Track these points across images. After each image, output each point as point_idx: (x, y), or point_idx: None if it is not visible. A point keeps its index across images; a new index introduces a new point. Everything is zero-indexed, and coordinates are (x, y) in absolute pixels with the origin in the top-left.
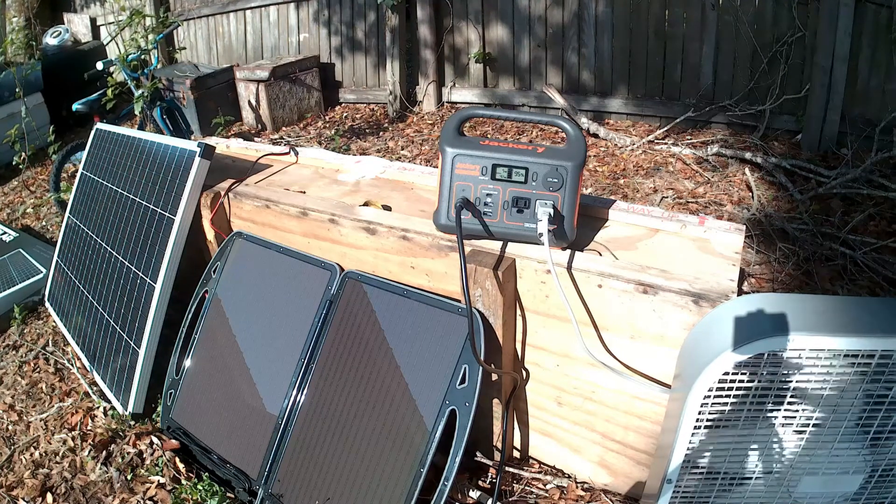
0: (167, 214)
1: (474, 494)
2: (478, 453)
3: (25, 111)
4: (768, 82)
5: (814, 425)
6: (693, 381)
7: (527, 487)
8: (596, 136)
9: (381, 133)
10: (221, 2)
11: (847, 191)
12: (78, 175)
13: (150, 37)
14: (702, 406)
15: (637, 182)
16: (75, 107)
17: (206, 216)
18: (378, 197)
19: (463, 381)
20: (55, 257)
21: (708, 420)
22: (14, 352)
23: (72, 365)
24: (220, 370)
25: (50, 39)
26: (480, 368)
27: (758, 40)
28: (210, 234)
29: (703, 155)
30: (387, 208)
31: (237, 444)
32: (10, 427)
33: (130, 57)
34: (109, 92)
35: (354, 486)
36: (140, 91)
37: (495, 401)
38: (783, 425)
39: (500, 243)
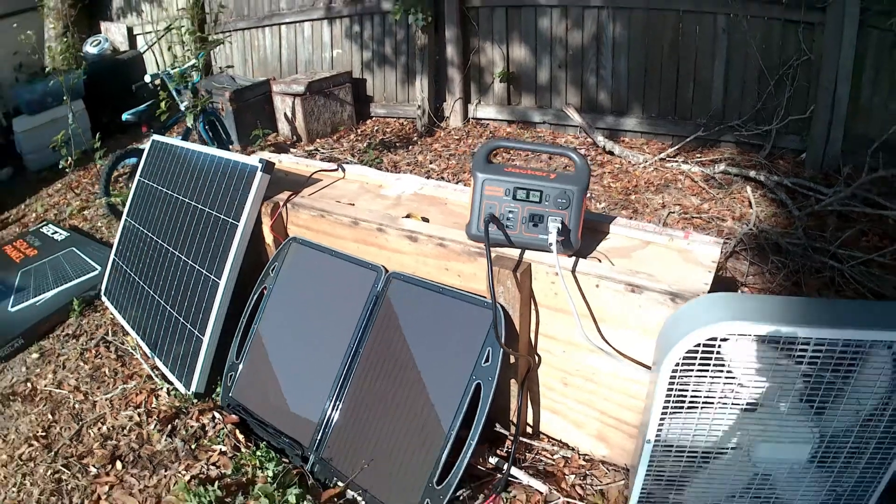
0: (231, 220)
1: (493, 461)
2: (497, 425)
3: (72, 117)
4: (775, 103)
5: (764, 398)
6: (663, 359)
7: (537, 457)
8: (611, 153)
9: (410, 147)
10: (257, 16)
11: (843, 208)
12: (135, 182)
13: (190, 52)
14: (671, 379)
15: (647, 198)
16: (125, 116)
17: (266, 223)
18: (417, 210)
19: (487, 361)
20: (112, 256)
21: (677, 390)
22: (74, 340)
23: (134, 351)
24: (278, 354)
25: (90, 48)
26: (501, 350)
27: (765, 63)
28: (269, 238)
29: (711, 173)
30: (425, 220)
31: (292, 418)
32: (76, 406)
33: (183, 68)
34: (163, 105)
35: (395, 450)
36: (189, 103)
37: (512, 381)
38: (739, 395)
39: (518, 251)
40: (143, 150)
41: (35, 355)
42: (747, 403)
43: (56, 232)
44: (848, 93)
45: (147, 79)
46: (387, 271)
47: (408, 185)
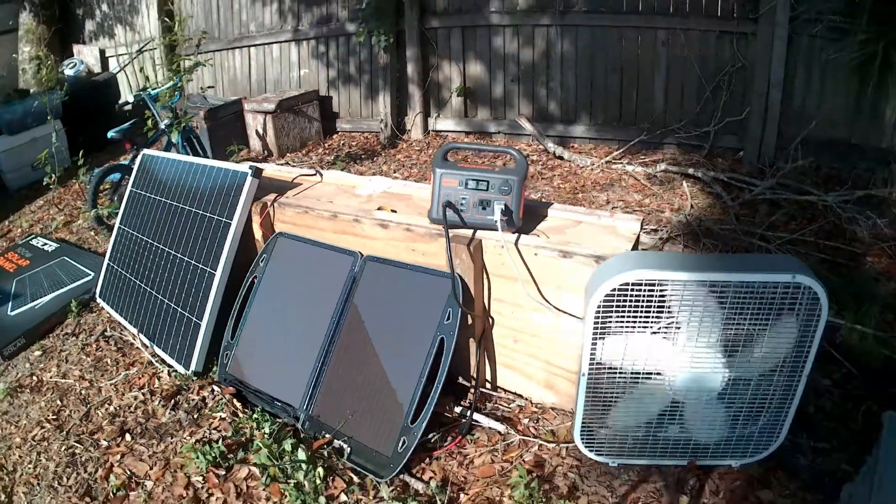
0: (224, 220)
1: (458, 409)
2: (459, 378)
3: (56, 136)
4: (712, 107)
5: (675, 332)
6: (589, 302)
7: (495, 405)
8: (561, 158)
9: (374, 158)
10: (227, 39)
11: (773, 196)
12: (127, 192)
13: (171, 73)
14: (595, 320)
15: (593, 195)
16: (110, 134)
17: (256, 221)
18: (387, 204)
19: (448, 319)
20: (106, 261)
21: (601, 329)
22: (74, 337)
23: (134, 341)
24: (269, 332)
25: (67, 70)
26: (460, 310)
27: (703, 71)
28: (258, 234)
29: (653, 172)
30: (394, 211)
31: (283, 385)
32: (83, 392)
33: (166, 87)
34: (149, 122)
35: (373, 401)
36: (169, 121)
37: (471, 340)
38: (646, 326)
39: (471, 231)
40: (126, 166)
41: (37, 353)
42: (652, 333)
43: (46, 244)
44: (780, 97)
45: (131, 98)
46: (362, 255)
47: (378, 185)
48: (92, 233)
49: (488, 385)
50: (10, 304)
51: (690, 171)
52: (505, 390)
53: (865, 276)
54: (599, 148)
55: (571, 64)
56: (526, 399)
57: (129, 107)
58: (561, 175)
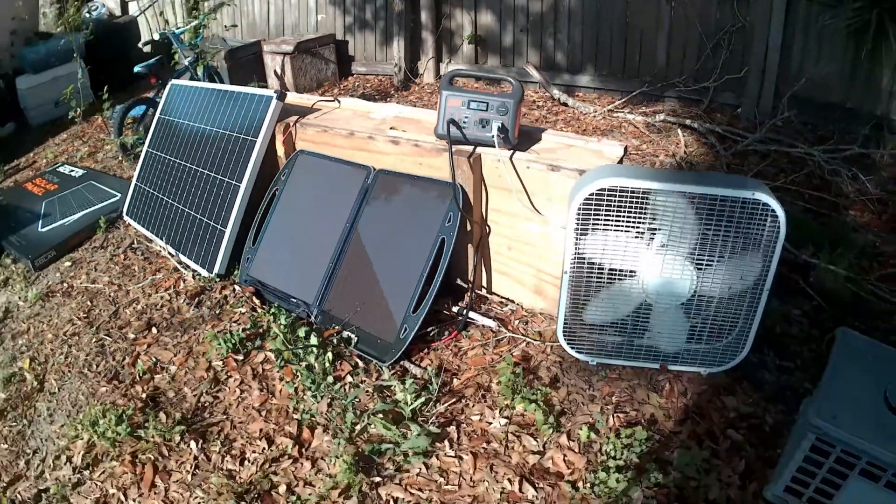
0: (250, 138)
1: (455, 309)
2: (458, 280)
3: (82, 73)
4: (712, 65)
5: (648, 237)
6: (570, 207)
7: (490, 307)
8: (565, 105)
9: (388, 99)
10: None
11: (765, 149)
12: (155, 119)
13: (196, 13)
14: (576, 222)
15: None
16: (137, 69)
17: (279, 139)
18: (399, 126)
19: (449, 221)
20: (133, 181)
21: (581, 230)
22: (102, 250)
23: (160, 250)
24: (288, 238)
25: (88, 13)
26: (459, 213)
27: (704, 30)
28: (281, 151)
29: (652, 121)
30: (404, 132)
31: (299, 284)
32: (111, 294)
33: (191, 26)
34: (175, 56)
35: (380, 295)
36: (192, 59)
37: (469, 246)
38: (633, 236)
39: (472, 147)
40: (150, 100)
41: (67, 263)
42: (636, 239)
43: (72, 170)
44: (778, 59)
45: (156, 36)
46: (375, 169)
47: (390, 110)
48: (116, 162)
49: (484, 290)
50: (41, 222)
51: (688, 122)
52: (499, 296)
53: (843, 224)
54: (603, 98)
55: (578, 18)
56: (517, 304)
57: (148, 47)
58: (564, 120)
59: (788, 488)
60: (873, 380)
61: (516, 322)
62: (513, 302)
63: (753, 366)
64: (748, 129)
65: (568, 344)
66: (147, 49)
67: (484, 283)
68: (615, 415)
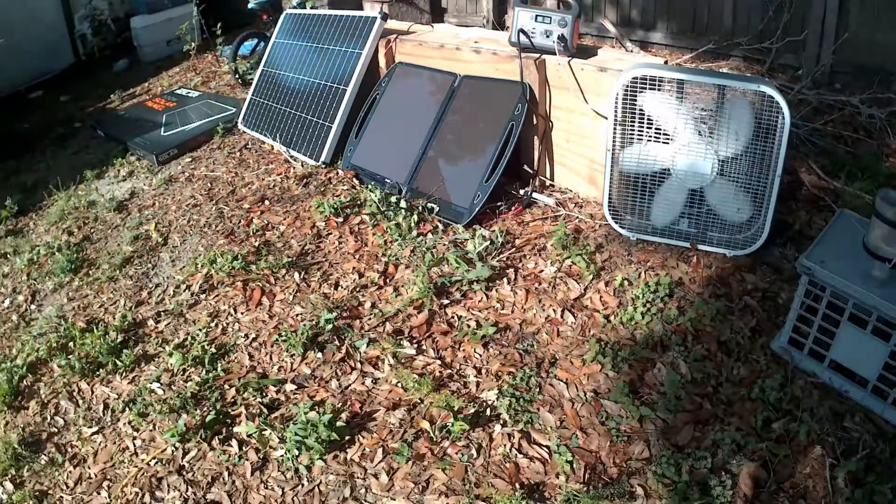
0: (356, 51)
1: (521, 192)
2: (525, 166)
3: (196, 10)
4: (775, 26)
5: (673, 125)
6: (613, 93)
7: (551, 194)
8: None
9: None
10: None
11: (818, 103)
12: (271, 42)
13: None
14: (615, 105)
15: None
16: (251, 5)
17: (381, 52)
18: (481, 42)
19: (517, 111)
20: (249, 96)
21: (622, 115)
22: (219, 150)
23: (273, 146)
24: (386, 131)
25: None
26: (527, 105)
27: None
28: (382, 63)
29: None
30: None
31: (393, 167)
32: (229, 179)
33: None
34: None
35: (460, 171)
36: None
37: (535, 138)
38: (668, 114)
39: (538, 54)
40: (262, 34)
41: (188, 160)
42: (670, 124)
43: (189, 92)
44: (835, 23)
45: None
46: (460, 75)
47: (475, 33)
48: (228, 88)
49: (547, 181)
50: (163, 128)
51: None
52: (558, 187)
53: (873, 155)
54: (674, 54)
55: None
56: (574, 192)
57: None
58: None
59: (791, 340)
60: (861, 242)
61: (572, 206)
62: (570, 191)
63: (774, 256)
64: (806, 87)
65: (612, 219)
66: None
67: (547, 174)
68: (646, 272)
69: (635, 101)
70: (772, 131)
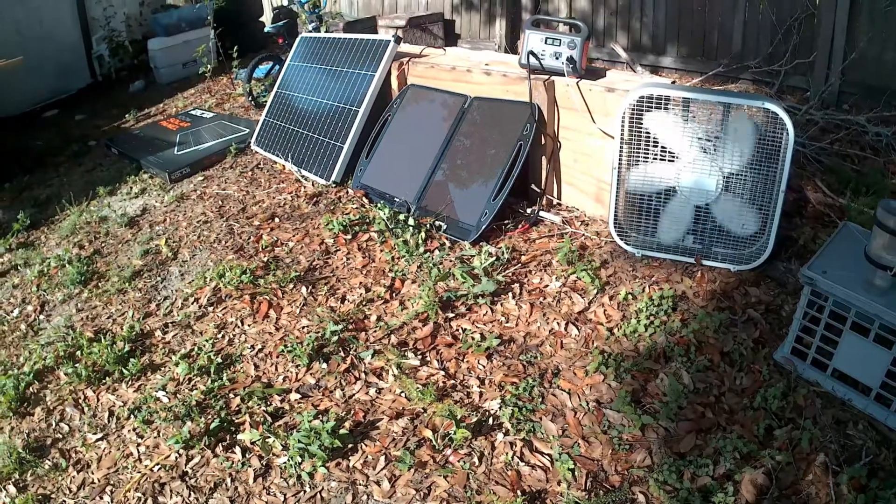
0: (369, 73)
1: (528, 210)
2: (532, 185)
3: (213, 33)
4: (784, 49)
5: (677, 146)
6: (619, 112)
7: (558, 212)
8: None
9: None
10: None
11: (825, 124)
12: (286, 65)
13: None
14: (621, 123)
15: None
16: (267, 29)
17: (394, 74)
18: (492, 65)
19: (526, 131)
20: (263, 117)
21: (628, 132)
22: (231, 170)
23: (283, 167)
24: (396, 152)
25: None
26: (535, 124)
27: (776, 16)
28: (394, 84)
29: None
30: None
31: (403, 186)
32: (240, 197)
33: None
34: (304, 16)
35: (468, 190)
36: (315, 25)
37: (543, 158)
38: (674, 132)
39: (547, 75)
40: (277, 57)
41: (200, 178)
42: (678, 138)
43: (203, 113)
44: (843, 45)
45: (285, 2)
46: (471, 96)
47: (486, 56)
48: (242, 110)
49: (555, 200)
50: (176, 147)
51: None
52: (565, 206)
53: (878, 172)
54: (683, 77)
55: (662, 3)
56: (581, 211)
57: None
58: None
59: (794, 350)
60: (863, 252)
61: (578, 224)
62: (577, 209)
63: (778, 270)
64: (815, 108)
65: (618, 235)
66: (270, 15)
67: (554, 193)
68: (650, 286)
69: (642, 119)
70: (776, 147)
